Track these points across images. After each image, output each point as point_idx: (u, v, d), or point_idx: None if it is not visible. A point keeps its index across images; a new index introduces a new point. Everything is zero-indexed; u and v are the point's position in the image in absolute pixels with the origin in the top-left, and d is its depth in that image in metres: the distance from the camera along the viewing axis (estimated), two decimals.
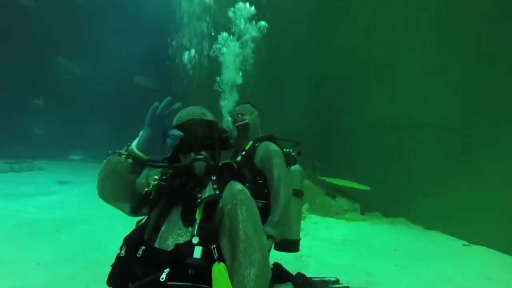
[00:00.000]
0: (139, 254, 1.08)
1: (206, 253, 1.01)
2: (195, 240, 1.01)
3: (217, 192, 1.12)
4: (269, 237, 1.97)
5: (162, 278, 0.97)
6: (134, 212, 1.26)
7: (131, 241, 1.13)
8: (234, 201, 1.11)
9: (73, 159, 12.83)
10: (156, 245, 1.11)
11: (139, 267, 1.05)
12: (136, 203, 1.22)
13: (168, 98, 1.12)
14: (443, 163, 5.89)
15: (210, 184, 1.17)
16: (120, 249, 1.13)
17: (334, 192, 7.38)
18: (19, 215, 5.47)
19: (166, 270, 0.98)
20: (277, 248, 2.26)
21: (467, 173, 5.42)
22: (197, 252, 0.99)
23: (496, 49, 5.13)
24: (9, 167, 10.07)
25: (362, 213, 7.04)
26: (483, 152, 5.25)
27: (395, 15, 7.05)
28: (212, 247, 1.02)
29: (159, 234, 1.14)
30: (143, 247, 1.09)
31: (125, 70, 12.88)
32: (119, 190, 1.22)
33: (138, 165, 1.18)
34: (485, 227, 5.00)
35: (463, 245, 5.11)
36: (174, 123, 1.26)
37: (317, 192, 7.41)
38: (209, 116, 1.29)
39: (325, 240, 5.13)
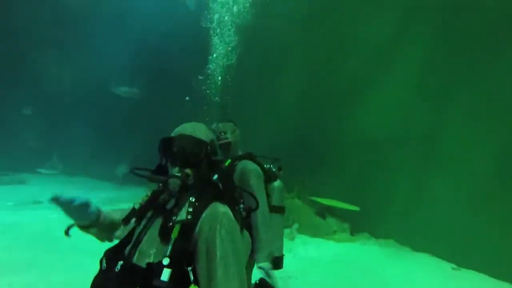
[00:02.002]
0: (117, 268, 1.05)
1: (178, 274, 0.97)
2: (166, 261, 0.98)
3: (189, 217, 1.08)
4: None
5: None
6: (123, 224, 1.25)
7: (111, 254, 1.12)
8: (213, 223, 1.06)
9: (43, 173, 11.29)
10: (134, 260, 1.08)
11: (115, 282, 1.03)
12: (126, 216, 1.25)
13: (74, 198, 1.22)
14: (423, 180, 5.98)
15: (187, 205, 1.13)
16: (100, 262, 1.11)
17: (324, 211, 7.31)
18: None
19: None
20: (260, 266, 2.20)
21: (447, 190, 5.48)
22: (165, 275, 0.96)
23: (472, 67, 5.36)
24: None
25: (352, 234, 6.96)
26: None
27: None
28: (188, 269, 0.99)
29: (138, 249, 1.11)
30: (121, 262, 1.07)
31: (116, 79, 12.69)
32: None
33: (96, 226, 1.31)
34: (473, 250, 4.98)
35: (452, 268, 5.06)
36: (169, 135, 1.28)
37: (306, 211, 7.34)
38: (202, 135, 1.27)
39: (314, 260, 5.04)
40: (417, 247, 5.99)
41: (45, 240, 4.81)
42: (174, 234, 1.04)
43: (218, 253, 1.01)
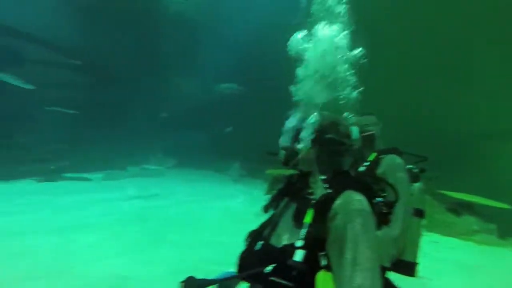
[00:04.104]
0: (257, 247, 1.18)
1: (310, 258, 1.01)
2: (299, 243, 1.03)
3: (321, 202, 1.09)
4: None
5: (267, 271, 1.04)
6: (264, 212, 1.37)
7: (253, 235, 1.27)
8: (346, 211, 1.04)
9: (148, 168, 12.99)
10: (272, 241, 1.19)
11: (255, 259, 1.15)
12: (265, 204, 1.35)
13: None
14: None
15: (320, 191, 1.16)
16: (245, 241, 1.28)
17: (458, 207, 6.29)
18: None
19: (272, 265, 1.04)
20: (392, 268, 2.11)
21: None
22: (298, 256, 1.00)
23: None
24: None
25: (501, 237, 5.75)
26: None
27: None
28: (320, 254, 1.01)
29: (275, 231, 1.22)
30: (261, 242, 1.19)
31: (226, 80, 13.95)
32: None
33: None
34: None
35: None
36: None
37: (435, 206, 6.47)
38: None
39: (449, 262, 4.42)
40: None
41: None
42: (307, 219, 1.07)
43: (349, 241, 0.98)
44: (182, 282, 1.22)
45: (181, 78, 15.10)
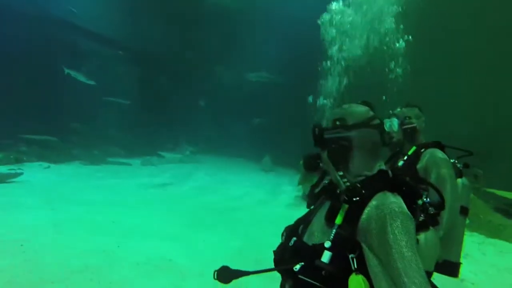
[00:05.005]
0: (290, 243, 1.18)
1: (340, 260, 0.99)
2: (327, 244, 1.02)
3: (354, 203, 1.04)
4: None
5: (296, 269, 1.04)
6: (308, 208, 1.38)
7: (289, 231, 1.27)
8: (382, 213, 0.98)
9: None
10: (305, 238, 1.17)
11: (287, 255, 1.16)
12: (308, 199, 1.37)
13: None
14: None
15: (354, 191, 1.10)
16: (282, 235, 1.29)
17: (508, 208, 5.79)
18: None
19: (301, 263, 1.04)
20: (435, 269, 2.00)
21: None
22: (325, 257, 1.00)
23: None
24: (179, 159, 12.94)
25: None
26: None
27: None
28: (350, 256, 0.98)
29: (308, 228, 1.20)
30: (294, 238, 1.19)
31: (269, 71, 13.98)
32: None
33: None
34: None
35: None
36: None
37: (481, 206, 6.00)
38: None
39: (496, 267, 4.10)
40: None
41: None
42: (338, 220, 1.05)
43: (391, 244, 0.93)
44: (217, 271, 1.26)
45: (222, 67, 15.33)
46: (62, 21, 12.60)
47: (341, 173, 1.16)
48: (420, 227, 1.07)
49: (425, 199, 1.23)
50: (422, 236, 1.20)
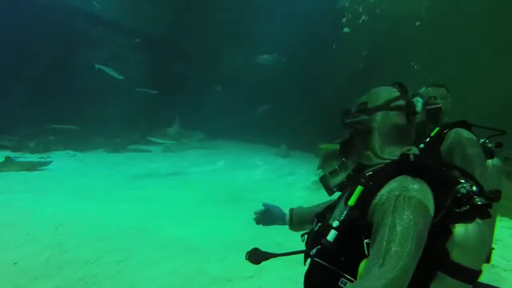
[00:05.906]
0: (315, 228, 1.20)
1: (347, 241, 0.98)
2: (335, 223, 1.01)
3: (367, 186, 1.01)
4: None
5: (312, 252, 1.05)
6: (330, 194, 1.32)
7: (317, 216, 1.29)
8: (393, 193, 0.92)
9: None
10: (330, 222, 1.14)
11: (310, 240, 1.19)
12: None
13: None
14: None
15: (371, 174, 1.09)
16: (312, 222, 1.30)
17: None
18: None
19: (318, 247, 1.04)
20: None
21: None
22: (331, 235, 0.99)
23: None
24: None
25: None
26: None
27: None
28: (365, 241, 0.94)
29: (333, 213, 1.20)
30: (320, 224, 1.20)
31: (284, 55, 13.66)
32: None
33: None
34: None
35: None
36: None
37: (510, 189, 5.72)
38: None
39: None
40: None
41: None
42: (351, 201, 1.02)
43: (385, 226, 0.88)
44: (248, 252, 1.34)
45: (236, 51, 15.09)
46: (81, 11, 12.78)
47: (365, 156, 1.15)
48: (460, 218, 0.95)
49: (468, 187, 1.04)
50: (461, 229, 1.05)
